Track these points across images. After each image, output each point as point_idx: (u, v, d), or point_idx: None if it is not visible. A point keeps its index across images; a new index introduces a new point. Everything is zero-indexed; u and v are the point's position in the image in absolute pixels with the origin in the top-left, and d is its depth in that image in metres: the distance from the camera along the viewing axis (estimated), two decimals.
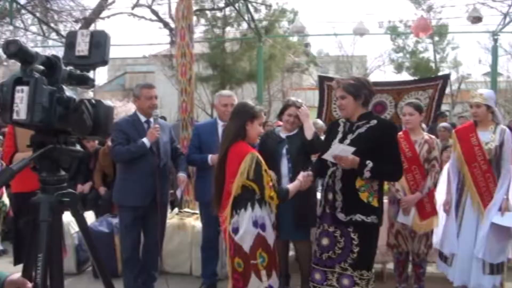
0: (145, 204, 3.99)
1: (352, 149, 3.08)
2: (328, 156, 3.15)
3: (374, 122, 3.22)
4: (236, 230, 2.96)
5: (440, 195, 4.27)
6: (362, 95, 3.22)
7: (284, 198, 3.03)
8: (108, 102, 1.69)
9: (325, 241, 3.25)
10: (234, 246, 2.97)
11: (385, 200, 4.35)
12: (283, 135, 4.11)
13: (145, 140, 3.93)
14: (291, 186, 3.13)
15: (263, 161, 2.97)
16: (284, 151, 4.00)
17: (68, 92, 1.59)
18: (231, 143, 3.01)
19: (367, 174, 3.08)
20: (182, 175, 4.22)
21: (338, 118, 3.53)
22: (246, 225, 2.93)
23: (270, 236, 2.99)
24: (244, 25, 15.89)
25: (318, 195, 3.63)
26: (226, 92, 4.49)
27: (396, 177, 3.38)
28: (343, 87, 3.23)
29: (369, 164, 3.08)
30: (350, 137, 3.23)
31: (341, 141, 3.25)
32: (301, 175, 3.22)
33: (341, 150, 3.10)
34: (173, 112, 15.87)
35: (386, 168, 3.14)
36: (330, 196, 3.23)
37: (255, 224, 2.94)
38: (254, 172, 2.88)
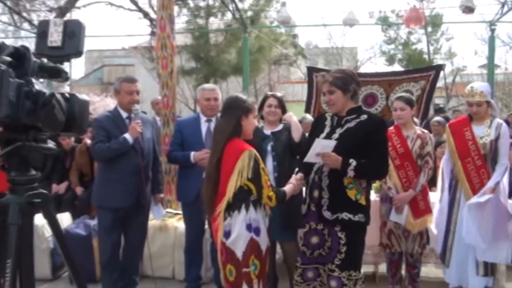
0: (126, 205, 3.97)
1: (333, 142, 3.10)
2: (310, 158, 3.15)
3: (364, 117, 3.24)
4: (228, 234, 2.90)
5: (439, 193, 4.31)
6: (350, 88, 3.23)
7: (282, 199, 2.97)
8: (83, 96, 1.66)
9: (314, 239, 3.26)
10: (226, 252, 2.92)
11: (377, 198, 4.38)
12: (267, 131, 4.10)
13: (127, 136, 3.90)
14: (288, 189, 3.08)
15: (260, 159, 2.93)
16: (269, 148, 4.00)
17: (38, 85, 1.56)
18: (227, 141, 2.95)
19: (350, 173, 3.10)
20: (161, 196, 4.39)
21: (327, 111, 3.53)
22: (239, 229, 2.87)
23: (263, 241, 2.94)
24: (229, 15, 15.83)
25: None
26: (208, 85, 4.46)
27: (381, 175, 3.42)
28: (331, 82, 3.23)
29: (353, 162, 3.09)
30: (339, 131, 3.23)
31: (329, 135, 3.25)
32: (294, 178, 3.18)
33: (322, 147, 3.11)
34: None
35: (371, 166, 3.15)
36: (316, 193, 3.23)
37: (249, 227, 2.89)
38: (252, 170, 2.84)
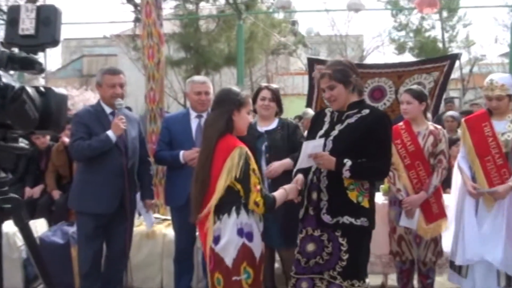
0: (109, 211, 3.97)
1: (321, 140, 3.13)
2: (302, 162, 3.16)
3: (366, 111, 3.25)
4: (217, 240, 2.91)
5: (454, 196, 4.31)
6: (351, 80, 3.24)
7: (270, 207, 2.96)
8: (60, 90, 1.66)
9: (310, 247, 3.26)
10: (215, 259, 2.92)
11: (385, 202, 4.39)
12: (261, 128, 4.10)
13: (109, 133, 3.89)
14: (278, 195, 3.06)
15: (252, 158, 2.94)
16: (263, 148, 4.00)
17: (6, 78, 1.55)
18: (218, 138, 2.95)
19: (346, 174, 3.11)
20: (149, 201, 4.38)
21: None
22: (230, 233, 2.88)
23: (257, 247, 2.94)
24: (221, 0, 15.83)
25: None
26: (199, 77, 4.46)
27: (381, 176, 3.44)
28: (330, 76, 3.23)
29: (347, 162, 3.10)
30: (338, 127, 3.25)
31: (328, 132, 3.27)
32: (288, 186, 3.17)
33: (312, 148, 3.13)
34: (140, 101, 15.76)
35: (369, 165, 3.16)
36: (314, 195, 3.24)
37: (240, 232, 2.89)
38: (241, 170, 2.84)
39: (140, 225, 4.97)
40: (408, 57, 22.76)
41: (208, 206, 2.92)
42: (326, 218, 3.19)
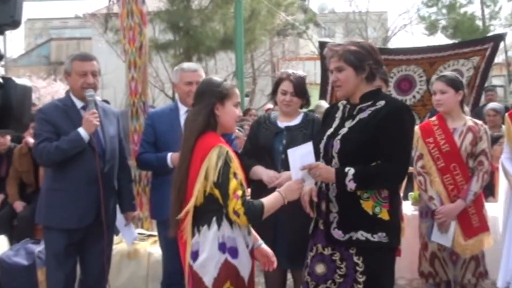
0: (83, 225, 3.97)
1: (309, 145, 3.14)
2: (297, 175, 3.15)
3: (381, 103, 3.20)
4: (195, 255, 2.95)
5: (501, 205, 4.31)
6: (365, 66, 3.19)
7: (255, 217, 2.92)
8: (23, 81, 1.67)
9: (320, 268, 3.24)
10: (193, 278, 2.96)
11: (415, 212, 4.39)
12: (281, 124, 4.11)
13: (80, 130, 3.88)
14: (267, 201, 3.02)
15: (234, 159, 2.95)
16: (280, 148, 3.99)
17: None
18: (198, 136, 3.00)
19: (351, 185, 3.07)
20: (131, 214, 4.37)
21: None
22: (210, 248, 2.91)
23: (244, 265, 2.97)
24: None
25: None
26: (189, 64, 4.45)
27: (394, 182, 3.32)
28: (340, 56, 3.21)
29: (350, 171, 3.07)
30: (348, 124, 3.23)
31: (337, 130, 3.25)
32: (285, 187, 3.16)
33: (301, 157, 3.13)
34: (120, 94, 15.79)
35: (377, 170, 3.13)
36: (323, 206, 3.23)
37: (222, 247, 2.92)
38: (219, 173, 2.86)
39: (120, 242, 4.98)
40: (441, 39, 22.77)
41: (183, 212, 2.95)
42: (337, 233, 3.17)
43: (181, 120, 4.24)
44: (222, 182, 2.87)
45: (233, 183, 2.88)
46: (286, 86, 4.06)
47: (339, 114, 3.35)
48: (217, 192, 2.89)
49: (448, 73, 4.44)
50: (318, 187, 3.27)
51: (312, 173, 3.13)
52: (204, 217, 2.94)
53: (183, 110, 4.25)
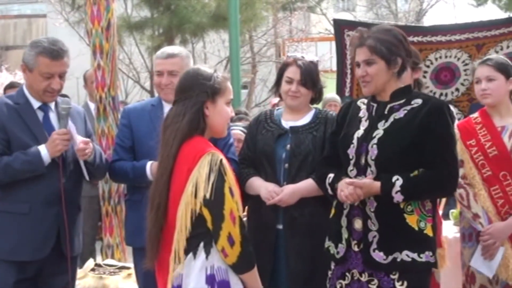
0: (40, 256, 3.97)
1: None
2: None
3: (418, 101, 3.34)
4: None
5: None
6: (398, 59, 3.33)
7: (248, 259, 3.00)
8: None
9: None
10: None
11: (457, 235, 4.41)
12: (285, 123, 4.14)
13: (42, 149, 3.87)
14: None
15: (229, 170, 2.99)
16: (283, 155, 4.02)
17: None
18: (181, 141, 3.03)
19: (398, 197, 3.21)
20: None
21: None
22: (195, 282, 2.95)
23: None
24: None
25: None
26: (164, 49, 4.41)
27: (446, 191, 3.51)
28: (371, 47, 3.31)
29: (398, 181, 3.20)
30: (382, 125, 3.34)
31: (370, 131, 3.35)
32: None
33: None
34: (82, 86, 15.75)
35: (427, 179, 3.26)
36: (358, 224, 3.34)
37: (210, 280, 2.96)
38: (212, 188, 2.90)
39: (85, 277, 4.99)
40: (492, 11, 22.68)
41: (172, 249, 2.99)
42: (378, 256, 3.28)
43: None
44: (215, 200, 2.90)
45: (228, 201, 2.92)
46: (291, 72, 4.06)
47: (364, 114, 3.45)
48: (206, 212, 2.92)
49: (495, 56, 4.45)
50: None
51: (345, 197, 3.25)
52: (189, 243, 2.97)
53: (167, 107, 4.16)
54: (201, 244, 2.96)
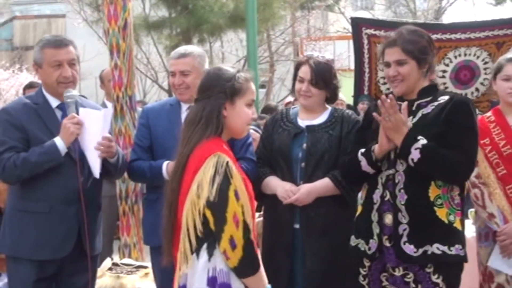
0: (59, 255, 3.99)
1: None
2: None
3: (443, 98, 3.46)
4: None
5: None
6: (427, 58, 3.45)
7: (251, 263, 2.99)
8: None
9: None
10: None
11: (474, 234, 4.40)
12: (302, 122, 4.15)
13: (57, 141, 3.88)
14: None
15: (236, 172, 2.98)
16: (299, 154, 4.03)
17: None
18: (197, 142, 3.03)
19: (415, 154, 3.29)
20: None
21: (389, 93, 3.62)
22: (198, 283, 2.96)
23: None
24: None
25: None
26: (178, 49, 4.42)
27: (458, 173, 3.50)
28: (403, 47, 3.41)
29: (422, 140, 3.30)
30: (410, 120, 3.45)
31: None
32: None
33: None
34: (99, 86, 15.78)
35: (446, 152, 3.35)
36: (389, 219, 3.41)
37: (212, 282, 2.96)
38: (217, 190, 2.90)
39: (102, 276, 5.00)
40: (511, 10, 22.57)
41: (180, 248, 3.01)
42: (409, 248, 3.34)
43: (183, 118, 4.26)
44: (219, 202, 2.90)
45: (233, 204, 2.91)
46: (303, 72, 4.08)
47: None
48: (208, 213, 2.92)
49: None
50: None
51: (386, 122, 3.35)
52: (194, 243, 2.98)
53: (185, 106, 4.26)
54: (205, 245, 2.97)
